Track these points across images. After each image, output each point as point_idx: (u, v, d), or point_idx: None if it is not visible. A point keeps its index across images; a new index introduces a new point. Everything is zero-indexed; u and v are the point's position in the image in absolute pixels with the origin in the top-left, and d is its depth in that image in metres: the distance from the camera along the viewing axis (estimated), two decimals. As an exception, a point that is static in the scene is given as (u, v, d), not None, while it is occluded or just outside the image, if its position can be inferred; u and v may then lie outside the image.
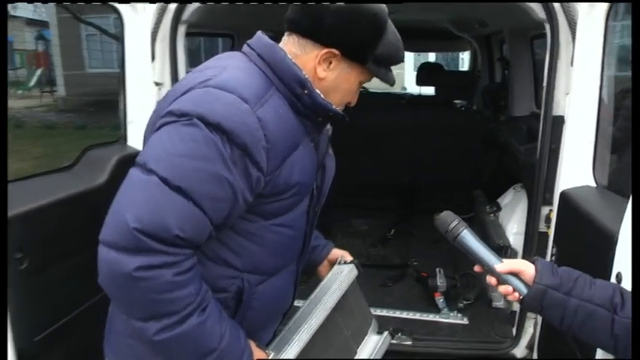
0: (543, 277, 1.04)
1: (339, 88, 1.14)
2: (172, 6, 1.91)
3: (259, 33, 1.16)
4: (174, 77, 1.91)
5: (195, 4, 1.92)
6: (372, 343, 1.48)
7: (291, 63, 1.08)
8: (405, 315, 2.23)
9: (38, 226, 1.40)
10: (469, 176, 3.29)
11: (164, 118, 1.00)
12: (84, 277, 1.05)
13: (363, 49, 1.10)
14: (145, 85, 1.85)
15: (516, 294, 1.06)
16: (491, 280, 1.09)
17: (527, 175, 2.03)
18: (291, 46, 1.10)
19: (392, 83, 1.19)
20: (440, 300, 2.25)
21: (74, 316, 1.51)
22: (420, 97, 4.50)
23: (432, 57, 7.31)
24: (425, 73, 4.14)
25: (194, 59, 3.27)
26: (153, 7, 1.89)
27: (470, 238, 1.10)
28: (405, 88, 7.20)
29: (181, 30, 1.98)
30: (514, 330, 2.01)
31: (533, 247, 1.87)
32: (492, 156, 3.14)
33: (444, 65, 5.29)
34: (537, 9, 1.76)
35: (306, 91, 1.08)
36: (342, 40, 1.09)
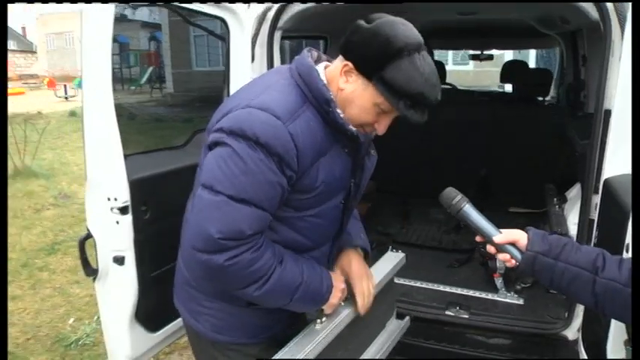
0: (534, 244, 1.20)
1: (355, 103, 1.28)
2: (270, 14, 2.29)
3: (305, 52, 1.35)
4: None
5: (290, 13, 2.28)
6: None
7: (321, 85, 1.27)
8: (465, 292, 2.45)
9: (157, 187, 1.78)
10: (543, 171, 3.37)
11: (217, 133, 1.25)
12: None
13: (370, 64, 1.23)
14: (245, 82, 2.22)
15: (513, 261, 1.23)
16: (491, 249, 1.26)
17: (582, 166, 2.17)
18: (338, 59, 1.32)
19: (404, 114, 1.23)
20: (498, 281, 2.44)
21: (174, 267, 1.85)
22: (503, 94, 4.59)
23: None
24: (508, 71, 4.24)
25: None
26: (253, 16, 2.28)
27: (471, 212, 1.27)
28: (501, 86, 7.19)
29: (277, 35, 2.35)
30: (566, 313, 2.14)
31: (584, 234, 1.99)
32: (564, 151, 3.22)
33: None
34: (590, 9, 1.90)
35: (330, 109, 1.27)
36: (356, 55, 1.25)
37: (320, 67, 1.34)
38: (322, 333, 1.38)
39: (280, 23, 2.28)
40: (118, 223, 1.63)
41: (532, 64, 10.54)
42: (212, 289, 1.43)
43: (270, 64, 2.29)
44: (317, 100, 1.28)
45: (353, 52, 1.25)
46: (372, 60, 1.22)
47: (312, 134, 1.26)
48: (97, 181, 1.60)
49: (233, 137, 1.21)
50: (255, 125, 1.19)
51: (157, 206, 1.76)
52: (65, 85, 20.44)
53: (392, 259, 1.78)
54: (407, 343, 2.07)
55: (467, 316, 2.24)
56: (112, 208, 1.62)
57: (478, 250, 2.89)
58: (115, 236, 1.64)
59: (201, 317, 1.47)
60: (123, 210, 1.62)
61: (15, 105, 7.68)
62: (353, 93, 1.27)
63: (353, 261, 1.54)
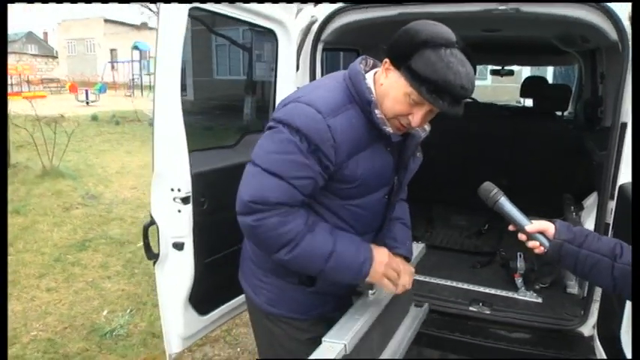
0: (561, 233, 1.36)
1: (389, 95, 1.41)
2: (314, 27, 2.48)
3: (358, 59, 1.53)
4: (313, 83, 2.46)
5: (332, 27, 2.47)
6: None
7: (365, 87, 1.44)
8: (487, 290, 2.59)
9: (213, 181, 1.96)
10: (562, 181, 3.51)
11: (271, 121, 1.47)
12: (236, 226, 1.48)
13: (400, 56, 1.36)
14: (289, 88, 2.37)
15: (542, 248, 1.39)
16: (522, 236, 1.42)
17: (599, 175, 2.31)
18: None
19: (432, 103, 1.33)
20: (519, 280, 2.58)
21: (229, 253, 2.01)
22: (522, 108, 4.74)
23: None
24: (529, 86, 4.40)
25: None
26: (299, 29, 2.47)
27: (506, 204, 1.44)
28: (519, 102, 7.33)
29: (319, 47, 2.54)
30: (582, 311, 2.28)
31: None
32: (582, 163, 3.36)
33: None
34: (609, 30, 2.06)
35: (370, 109, 1.43)
36: (390, 50, 1.40)
37: (370, 73, 1.51)
38: (376, 302, 1.55)
39: (323, 36, 2.48)
40: (179, 211, 1.80)
41: (550, 80, 10.67)
42: (268, 264, 1.60)
43: (313, 74, 2.49)
44: (361, 100, 1.44)
45: (389, 49, 1.41)
46: (401, 51, 1.35)
47: (353, 130, 1.42)
48: (163, 173, 1.78)
49: (280, 124, 1.42)
50: (300, 118, 1.39)
51: (213, 198, 1.93)
52: (87, 90, 20.87)
53: (414, 249, 1.93)
54: (433, 335, 2.23)
55: (489, 312, 2.38)
56: (174, 198, 1.80)
57: (499, 253, 3.04)
58: (176, 224, 1.82)
59: (259, 291, 1.65)
60: (185, 200, 1.80)
61: (38, 107, 7.92)
62: (389, 85, 1.41)
63: (396, 259, 1.66)
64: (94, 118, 14.89)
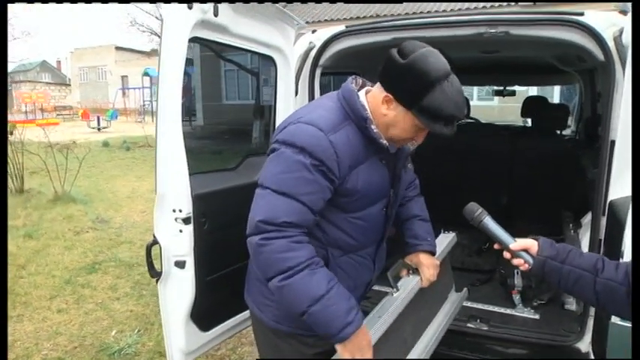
0: (544, 250, 1.41)
1: (397, 125, 1.52)
2: (312, 53, 2.58)
3: (350, 79, 1.63)
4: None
5: (329, 53, 2.57)
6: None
7: (360, 105, 1.54)
8: (485, 307, 2.62)
9: (214, 202, 2.04)
10: (561, 199, 3.55)
11: (273, 144, 1.54)
12: (237, 244, 1.56)
13: (409, 97, 1.46)
14: (289, 112, 2.48)
15: (526, 265, 1.43)
16: (507, 254, 1.47)
17: (591, 191, 2.36)
18: (376, 88, 1.57)
19: (439, 133, 1.46)
20: (516, 297, 2.61)
21: (230, 271, 2.08)
22: (523, 127, 4.80)
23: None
24: (529, 106, 4.47)
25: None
26: (296, 56, 2.58)
27: (491, 223, 1.51)
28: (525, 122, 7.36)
29: (318, 72, 2.64)
30: (579, 327, 2.28)
31: (594, 251, 2.17)
32: (580, 180, 3.40)
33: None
34: (597, 51, 2.13)
35: (366, 125, 1.53)
36: (395, 88, 1.48)
37: (362, 92, 1.61)
38: (399, 300, 1.62)
39: (321, 61, 2.59)
40: (181, 231, 1.88)
41: (557, 99, 10.71)
42: None
43: (312, 97, 2.58)
44: (356, 118, 1.54)
45: (392, 85, 1.49)
46: (410, 93, 1.45)
47: (351, 145, 1.52)
48: (165, 194, 1.86)
49: (284, 146, 1.50)
50: (303, 137, 1.48)
51: (214, 219, 2.01)
52: (98, 117, 21.27)
53: (445, 239, 2.09)
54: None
55: (486, 328, 2.41)
56: (176, 219, 1.88)
57: (498, 271, 3.07)
58: (178, 243, 1.89)
59: (265, 308, 1.71)
60: (186, 220, 1.88)
61: (51, 134, 8.13)
62: (395, 118, 1.52)
63: (421, 255, 1.83)
64: (106, 144, 15.16)
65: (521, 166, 3.80)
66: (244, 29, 2.12)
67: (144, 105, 27.35)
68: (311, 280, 1.43)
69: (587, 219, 2.92)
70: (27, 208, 6.88)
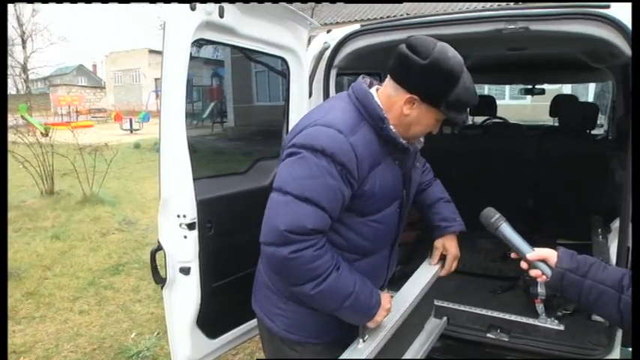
0: (563, 262, 1.31)
1: (420, 122, 1.54)
2: (327, 54, 2.52)
3: (360, 79, 1.61)
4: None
5: (344, 53, 2.50)
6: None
7: (376, 105, 1.53)
8: (507, 316, 2.50)
9: (221, 207, 2.00)
10: (591, 203, 3.39)
11: (290, 148, 1.49)
12: (245, 250, 1.55)
13: (437, 96, 1.48)
14: (302, 115, 2.43)
15: (544, 276, 1.33)
16: (524, 264, 1.38)
17: (619, 195, 2.22)
18: (389, 87, 1.54)
19: (461, 124, 1.56)
20: (539, 306, 2.48)
21: (237, 278, 2.04)
22: (552, 127, 4.63)
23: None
24: (557, 105, 4.30)
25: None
26: (310, 56, 2.51)
27: (508, 230, 1.41)
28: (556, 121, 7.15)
29: (333, 73, 2.58)
30: (607, 340, 2.16)
31: (622, 261, 2.05)
32: (610, 183, 3.23)
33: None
34: (625, 47, 2.00)
35: (384, 126, 1.52)
36: (421, 89, 1.48)
37: (372, 91, 1.58)
38: (366, 351, 1.51)
39: (336, 62, 2.52)
40: (185, 237, 1.84)
41: (591, 97, 10.37)
42: (287, 291, 1.61)
43: (326, 99, 2.51)
44: (372, 118, 1.52)
45: (417, 87, 1.49)
46: (438, 92, 1.47)
47: (369, 146, 1.50)
48: (169, 200, 1.83)
49: (303, 149, 1.45)
50: (322, 139, 1.45)
51: (220, 224, 1.96)
52: (131, 119, 21.70)
53: (429, 270, 1.94)
54: (447, 361, 2.16)
55: (507, 339, 2.30)
56: (180, 224, 1.84)
57: (522, 278, 2.94)
58: (183, 249, 1.85)
59: (276, 317, 1.67)
60: (190, 226, 1.84)
61: (84, 136, 8.29)
62: (419, 116, 1.53)
63: (453, 243, 1.90)
64: (137, 145, 15.43)
65: (547, 168, 3.65)
66: (253, 30, 2.07)
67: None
68: (340, 281, 1.47)
69: (616, 224, 2.77)
70: (56, 209, 7.02)
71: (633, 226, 1.29)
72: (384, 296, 1.60)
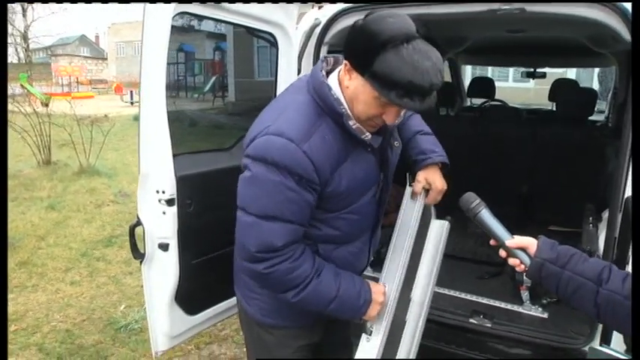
0: (542, 252, 1.26)
1: (358, 98, 1.35)
2: (318, 30, 2.45)
3: (319, 64, 1.46)
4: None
5: (335, 29, 2.44)
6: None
7: (333, 99, 1.38)
8: (491, 302, 2.48)
9: (202, 184, 1.97)
10: (584, 190, 3.35)
11: (245, 159, 1.41)
12: (226, 227, 1.51)
13: (361, 61, 1.29)
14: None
15: (522, 266, 1.29)
16: (503, 253, 1.33)
17: (610, 185, 2.19)
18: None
19: (400, 104, 1.27)
20: (524, 294, 2.46)
21: (217, 255, 2.00)
22: (550, 112, 4.57)
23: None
24: (556, 89, 4.23)
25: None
26: (301, 32, 2.45)
27: (487, 216, 1.35)
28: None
29: (324, 49, 2.51)
30: (589, 330, 2.13)
31: (609, 251, 2.02)
32: (604, 171, 3.20)
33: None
34: (622, 30, 1.94)
35: (342, 120, 1.39)
36: (349, 53, 1.33)
37: (333, 75, 1.44)
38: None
39: (326, 39, 2.45)
40: (164, 213, 1.82)
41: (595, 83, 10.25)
42: None
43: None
44: (331, 113, 1.40)
45: (347, 50, 1.34)
46: (361, 56, 1.28)
47: (328, 147, 1.39)
48: (148, 175, 1.80)
49: (256, 163, 1.37)
50: (273, 152, 1.35)
51: (201, 201, 1.93)
52: (131, 91, 21.56)
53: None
54: (428, 346, 2.15)
55: (490, 325, 2.28)
56: (159, 200, 1.81)
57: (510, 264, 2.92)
58: (161, 225, 1.83)
59: (252, 301, 1.66)
60: (169, 202, 1.81)
61: (84, 107, 8.24)
62: (356, 90, 1.34)
63: (436, 175, 1.73)
64: (136, 118, 15.09)
65: (542, 154, 3.60)
66: (240, 4, 2.01)
67: (178, 80, 27.55)
68: (321, 287, 1.45)
69: (607, 213, 2.74)
70: (52, 180, 7.01)
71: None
72: (377, 290, 1.56)
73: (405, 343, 1.68)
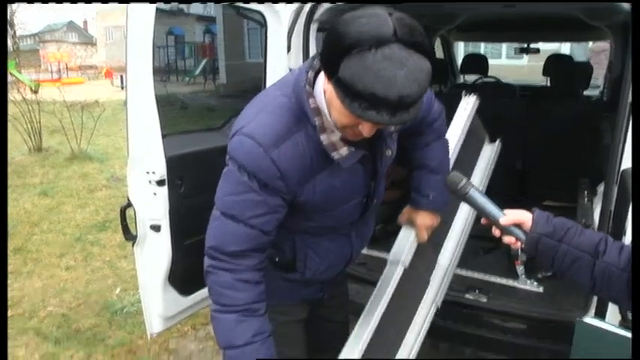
0: (538, 226, 1.21)
1: (332, 105, 1.19)
2: (306, 8, 2.40)
3: (304, 66, 1.33)
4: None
5: (325, 6, 2.39)
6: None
7: (308, 108, 1.27)
8: (486, 278, 2.49)
9: (192, 164, 1.95)
10: (579, 165, 3.34)
11: (227, 153, 1.36)
12: None
13: (327, 65, 1.14)
14: (281, 71, 2.32)
15: (518, 243, 1.24)
16: (496, 231, 1.27)
17: (606, 157, 2.18)
18: None
19: (362, 117, 1.10)
20: (520, 268, 2.46)
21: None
22: (544, 87, 4.54)
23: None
24: (551, 64, 4.20)
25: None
26: (290, 9, 2.40)
27: (477, 195, 1.29)
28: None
29: (313, 27, 2.46)
30: (585, 302, 2.13)
31: (604, 224, 2.01)
32: (598, 145, 3.19)
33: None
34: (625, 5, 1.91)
35: (315, 133, 1.28)
36: (321, 55, 1.20)
37: (319, 82, 1.28)
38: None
39: (316, 16, 2.40)
40: (155, 194, 1.80)
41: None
42: None
43: (306, 54, 2.41)
44: (309, 123, 1.28)
45: (320, 52, 1.21)
46: (328, 60, 1.14)
47: (302, 157, 1.30)
48: (138, 156, 1.77)
49: (230, 160, 1.33)
50: (241, 154, 1.29)
51: (191, 181, 1.91)
52: (122, 76, 21.30)
53: (467, 104, 2.04)
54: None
55: (485, 300, 2.29)
56: (150, 181, 1.79)
57: (505, 239, 2.91)
58: (153, 206, 1.81)
59: None
60: (160, 183, 1.79)
61: (74, 93, 8.14)
62: (330, 95, 1.18)
63: (419, 214, 1.75)
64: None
65: (537, 129, 3.59)
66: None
67: (168, 63, 27.27)
68: (236, 327, 1.33)
69: (602, 187, 2.73)
70: (44, 166, 6.96)
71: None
72: None
73: (427, 302, 1.84)
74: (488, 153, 2.16)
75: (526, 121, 3.64)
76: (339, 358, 1.56)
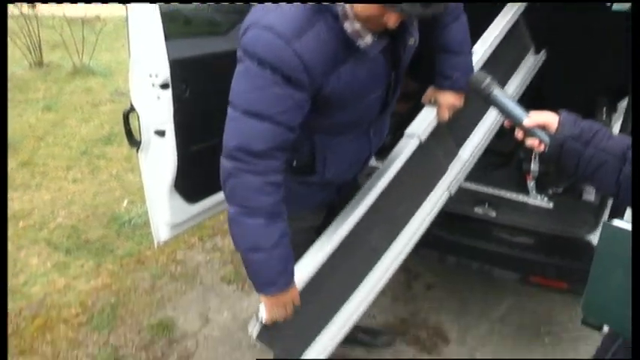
0: (565, 128, 1.15)
1: None
2: None
3: None
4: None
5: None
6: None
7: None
8: (496, 192, 2.45)
9: (197, 68, 1.86)
10: (600, 80, 3.20)
11: (238, 50, 1.29)
12: (225, 113, 1.40)
13: None
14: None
15: (542, 146, 1.18)
16: (520, 133, 1.23)
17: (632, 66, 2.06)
18: None
19: (394, 8, 1.13)
20: (531, 183, 2.41)
21: (218, 142, 1.95)
22: None
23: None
24: None
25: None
26: None
27: (501, 95, 1.25)
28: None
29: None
30: (594, 219, 2.12)
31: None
32: (625, 58, 3.03)
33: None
34: None
35: (338, 22, 1.24)
36: None
37: None
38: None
39: None
40: (159, 98, 1.72)
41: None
42: None
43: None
44: (329, 11, 1.25)
45: None
46: None
47: (325, 46, 1.25)
48: (140, 59, 1.68)
49: (246, 57, 1.25)
50: (260, 48, 1.22)
51: (196, 85, 1.83)
52: (123, -11, 20.47)
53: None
54: (432, 234, 2.14)
55: (494, 215, 2.27)
56: (153, 84, 1.71)
57: (517, 155, 2.84)
58: (156, 110, 1.75)
59: None
60: (163, 86, 1.71)
61: (74, 9, 7.81)
62: None
63: (444, 95, 1.75)
64: (130, 16, 14.67)
65: (554, 43, 3.40)
66: None
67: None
68: (263, 230, 1.33)
69: (624, 103, 2.63)
70: (46, 81, 6.81)
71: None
72: (294, 293, 1.47)
73: (441, 188, 1.94)
74: (530, 63, 2.01)
75: (544, 32, 3.44)
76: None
